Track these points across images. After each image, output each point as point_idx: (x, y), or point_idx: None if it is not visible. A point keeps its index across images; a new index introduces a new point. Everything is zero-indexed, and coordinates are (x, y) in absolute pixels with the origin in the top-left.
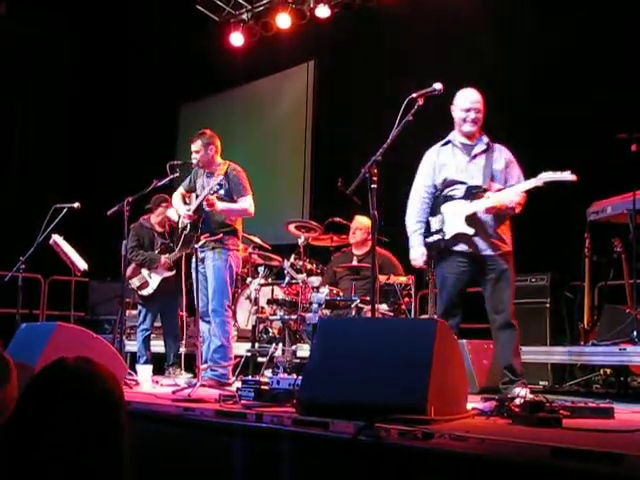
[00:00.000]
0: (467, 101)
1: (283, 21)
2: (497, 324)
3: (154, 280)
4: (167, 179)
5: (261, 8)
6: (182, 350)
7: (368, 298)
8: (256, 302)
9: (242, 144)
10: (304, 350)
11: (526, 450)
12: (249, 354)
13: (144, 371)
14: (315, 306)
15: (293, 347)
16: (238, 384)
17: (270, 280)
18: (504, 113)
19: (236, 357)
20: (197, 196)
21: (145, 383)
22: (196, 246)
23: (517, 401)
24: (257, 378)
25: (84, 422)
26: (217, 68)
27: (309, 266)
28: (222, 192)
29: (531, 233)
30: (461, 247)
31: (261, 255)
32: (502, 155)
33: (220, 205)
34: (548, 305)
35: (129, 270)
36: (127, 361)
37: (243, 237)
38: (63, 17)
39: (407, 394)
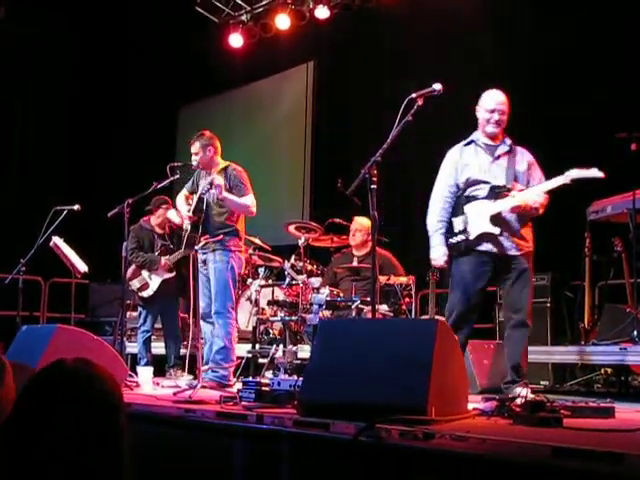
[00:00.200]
0: (492, 102)
1: (282, 22)
2: (513, 322)
3: (154, 282)
4: (167, 181)
5: (260, 9)
6: (184, 351)
7: (368, 299)
8: (256, 303)
9: (242, 145)
10: (305, 351)
11: (527, 450)
12: (250, 355)
13: (145, 373)
14: (315, 307)
15: (294, 348)
16: (239, 385)
17: (270, 281)
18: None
19: (237, 358)
20: (201, 200)
21: (146, 385)
22: (196, 248)
23: (518, 401)
24: (258, 379)
25: (83, 423)
26: (216, 69)
27: (309, 267)
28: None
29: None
30: (485, 247)
31: (261, 256)
32: (524, 157)
33: (225, 193)
34: (549, 305)
35: (129, 272)
36: (128, 363)
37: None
38: (63, 17)
39: (408, 394)
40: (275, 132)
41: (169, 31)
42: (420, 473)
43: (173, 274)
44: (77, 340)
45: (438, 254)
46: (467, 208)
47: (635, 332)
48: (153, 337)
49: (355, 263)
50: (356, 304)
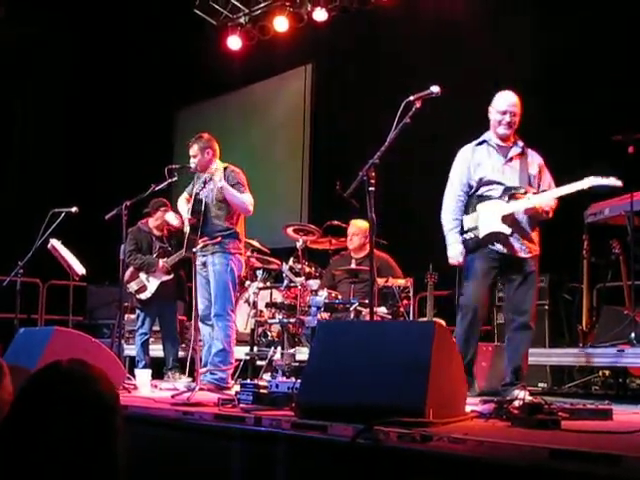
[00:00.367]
0: (504, 104)
1: (280, 24)
2: (516, 324)
3: (152, 284)
4: (165, 183)
5: (258, 12)
6: (182, 354)
7: (367, 301)
8: (255, 305)
9: (240, 147)
10: (303, 353)
11: (525, 452)
12: (248, 358)
13: (143, 375)
14: (314, 309)
15: (292, 350)
16: (237, 388)
17: (269, 283)
18: None
19: (235, 360)
20: (199, 201)
21: (144, 387)
22: (194, 250)
23: (516, 403)
24: (256, 382)
25: (78, 424)
26: (215, 71)
27: (308, 269)
28: (223, 196)
29: None
30: (495, 246)
31: (259, 258)
32: (535, 160)
33: (226, 185)
34: (547, 307)
35: (127, 274)
36: (126, 365)
37: None
38: (63, 17)
39: (405, 397)
40: (273, 134)
41: (167, 33)
42: (418, 475)
43: (171, 276)
44: (75, 342)
45: (455, 252)
46: (479, 207)
47: (633, 334)
48: (151, 339)
49: (353, 265)
50: (354, 306)
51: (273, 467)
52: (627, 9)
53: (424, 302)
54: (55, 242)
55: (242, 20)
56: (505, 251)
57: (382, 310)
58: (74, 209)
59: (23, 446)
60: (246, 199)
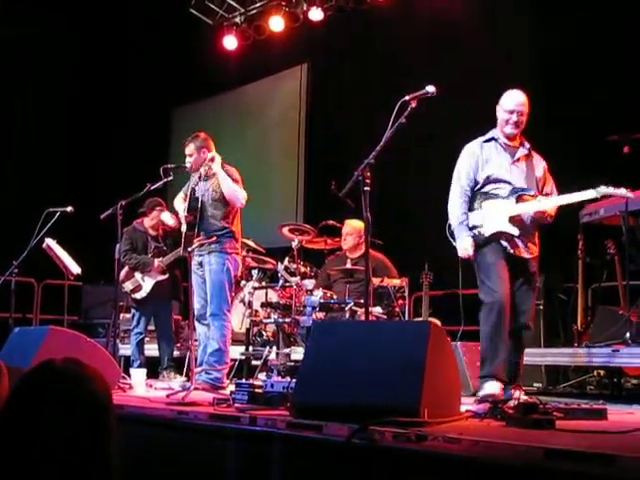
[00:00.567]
0: (511, 103)
1: (276, 24)
2: (515, 325)
3: (147, 284)
4: (160, 183)
5: (254, 11)
6: (177, 353)
7: (362, 301)
8: (250, 305)
9: (235, 147)
10: (298, 353)
11: (520, 452)
12: (243, 357)
13: (138, 375)
14: (309, 309)
15: (287, 350)
16: (232, 387)
17: (264, 283)
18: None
19: (230, 360)
20: (196, 199)
21: (139, 387)
22: (190, 249)
23: (511, 403)
24: (251, 381)
25: (72, 423)
26: (210, 71)
27: (303, 269)
28: (218, 195)
29: None
30: (502, 244)
31: (255, 258)
32: (540, 163)
33: (219, 169)
34: (542, 307)
35: (122, 273)
36: (121, 365)
37: None
38: (63, 17)
39: (401, 396)
40: (269, 134)
41: (163, 33)
42: (413, 475)
43: (166, 276)
44: (70, 342)
45: (467, 243)
46: (486, 205)
47: (628, 334)
48: (146, 339)
49: (348, 265)
50: (349, 306)
51: (268, 467)
52: (625, 9)
53: (419, 302)
54: (50, 241)
55: (238, 20)
56: (511, 251)
57: (377, 310)
58: (69, 208)
59: (16, 445)
60: (239, 189)
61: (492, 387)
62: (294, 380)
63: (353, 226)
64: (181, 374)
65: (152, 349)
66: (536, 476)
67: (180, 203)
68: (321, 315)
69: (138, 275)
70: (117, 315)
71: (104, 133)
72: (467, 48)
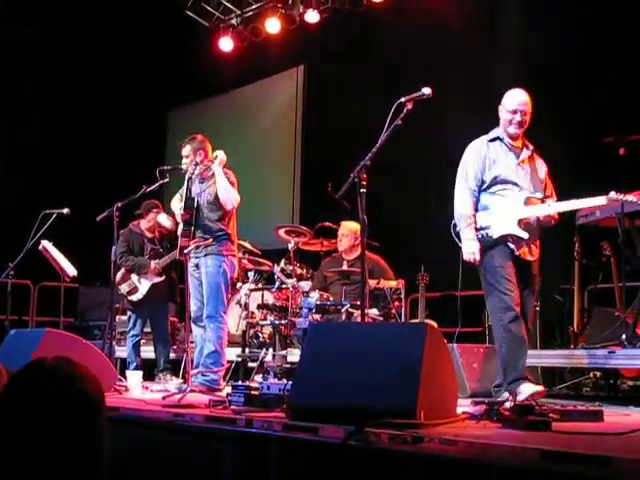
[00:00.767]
0: (514, 103)
1: (272, 26)
2: None
3: (143, 285)
4: (157, 184)
5: (250, 13)
6: (173, 355)
7: (358, 303)
8: (246, 307)
9: (232, 148)
10: (294, 355)
11: (516, 454)
12: (239, 359)
13: (134, 377)
14: (305, 311)
15: (283, 352)
16: (228, 389)
17: (260, 285)
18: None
19: (226, 362)
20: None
21: (135, 389)
22: (186, 252)
23: (507, 405)
24: (247, 383)
25: (63, 422)
26: (206, 73)
27: (299, 271)
28: (214, 198)
29: None
30: (509, 246)
31: (251, 260)
32: (542, 166)
33: (218, 167)
34: (538, 308)
35: (118, 276)
36: (117, 367)
37: None
38: (63, 17)
39: (397, 398)
40: (265, 136)
41: (159, 35)
42: (409, 477)
43: (162, 278)
44: (66, 344)
45: (474, 247)
46: (493, 206)
47: (624, 336)
48: (142, 341)
49: (345, 267)
50: (346, 308)
51: (264, 469)
52: (624, 9)
53: (416, 304)
54: (46, 243)
55: (234, 22)
56: (517, 253)
57: (374, 312)
58: (65, 210)
59: (7, 443)
60: (233, 192)
61: (529, 388)
62: (290, 382)
63: (349, 228)
64: (177, 376)
65: (148, 351)
66: (532, 478)
67: (177, 204)
68: (317, 317)
69: (134, 277)
70: (113, 317)
71: (100, 135)
72: (464, 50)
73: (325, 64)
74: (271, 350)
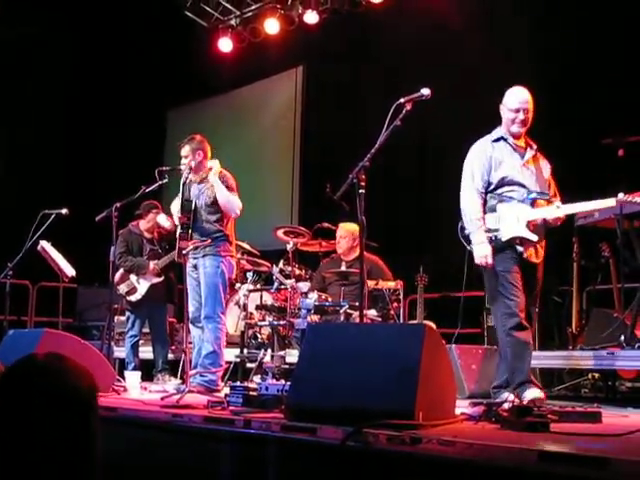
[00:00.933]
0: (516, 101)
1: (271, 27)
2: None
3: (142, 286)
4: (155, 185)
5: (249, 14)
6: (172, 356)
7: (357, 303)
8: (245, 308)
9: (231, 149)
10: (293, 356)
11: (514, 455)
12: (238, 360)
13: (132, 377)
14: (304, 312)
15: (282, 353)
16: (227, 390)
17: (259, 286)
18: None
19: (225, 363)
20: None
21: (133, 389)
22: (184, 252)
23: (505, 406)
24: (246, 384)
25: (53, 417)
26: (205, 73)
27: (298, 272)
28: (212, 200)
29: None
30: (517, 248)
31: (250, 261)
32: (546, 166)
33: (215, 178)
34: (537, 309)
35: (117, 276)
36: (115, 367)
37: None
38: (63, 17)
39: (395, 399)
40: (264, 136)
41: (158, 35)
42: (407, 477)
43: (161, 279)
44: (64, 344)
45: (487, 251)
46: (501, 208)
47: (622, 337)
48: (141, 342)
49: (343, 268)
50: (344, 309)
51: (263, 469)
52: (624, 10)
53: (414, 305)
54: (45, 244)
55: (233, 22)
56: (525, 255)
57: (372, 313)
58: (64, 211)
59: None
60: (235, 199)
61: (533, 392)
62: (289, 383)
63: (347, 229)
64: (176, 377)
65: (147, 352)
66: (530, 479)
67: (176, 206)
68: (316, 318)
69: (133, 277)
70: (112, 317)
71: (99, 135)
72: (464, 50)
73: (324, 65)
74: (269, 351)
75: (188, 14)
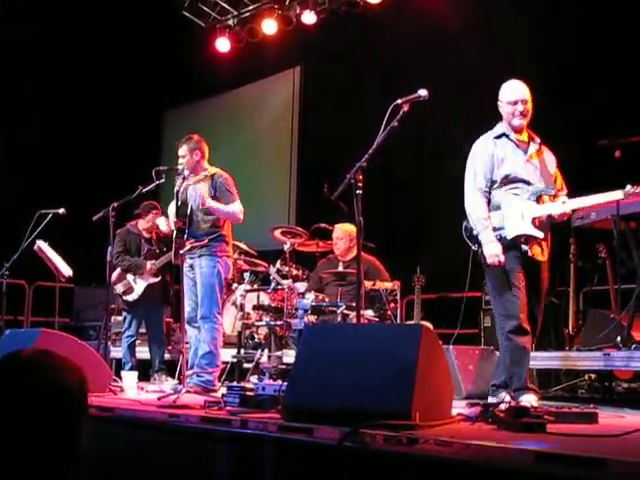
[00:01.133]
0: (513, 94)
1: (269, 27)
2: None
3: (139, 286)
4: (153, 185)
5: (247, 14)
6: (168, 356)
7: (354, 304)
8: (242, 308)
9: (228, 149)
10: (290, 356)
11: (511, 455)
12: (235, 360)
13: (129, 377)
14: (301, 312)
15: (279, 353)
16: (223, 390)
17: (256, 286)
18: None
19: (222, 363)
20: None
21: (130, 389)
22: (181, 252)
23: (502, 406)
24: (242, 384)
25: (38, 412)
26: (203, 73)
27: (295, 272)
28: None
29: None
30: (522, 247)
31: (247, 261)
32: (551, 158)
33: (211, 202)
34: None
35: (114, 275)
36: (112, 367)
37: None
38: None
39: (392, 400)
40: (261, 136)
41: (156, 35)
42: (404, 478)
43: (158, 279)
44: (61, 344)
45: (497, 249)
46: (505, 206)
47: (619, 338)
48: (138, 342)
49: (341, 268)
50: (341, 309)
51: (259, 470)
52: (624, 10)
53: (411, 305)
54: (41, 243)
55: (231, 22)
56: (530, 253)
57: (369, 313)
58: (61, 210)
59: None
60: (235, 209)
61: (529, 399)
62: (286, 383)
63: (344, 230)
64: (172, 377)
65: (143, 352)
66: (527, 479)
67: (173, 209)
68: (313, 318)
69: (130, 277)
70: (108, 317)
71: (96, 135)
72: (462, 50)
73: (322, 65)
74: (266, 351)
75: (186, 14)
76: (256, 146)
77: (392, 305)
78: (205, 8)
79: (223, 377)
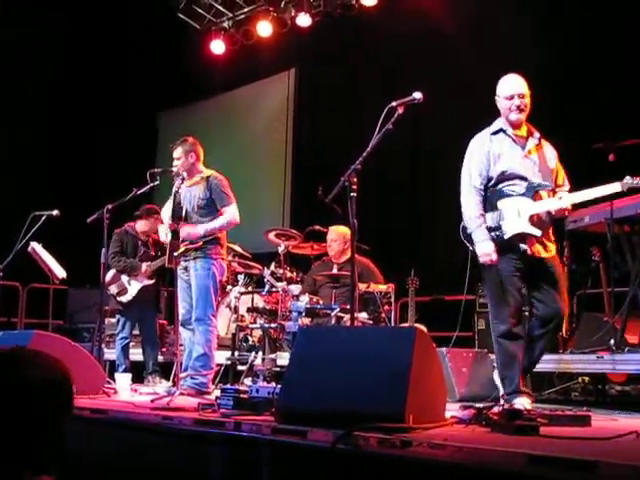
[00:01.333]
0: (510, 88)
1: (264, 29)
2: (544, 330)
3: (133, 287)
4: (147, 187)
5: (242, 16)
6: (162, 358)
7: (348, 306)
8: (236, 310)
9: (223, 151)
10: (284, 358)
11: (504, 458)
12: (229, 362)
13: (123, 379)
14: (295, 314)
15: (273, 355)
16: (217, 392)
17: (250, 288)
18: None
19: (216, 365)
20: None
21: (124, 392)
22: (176, 254)
23: (495, 409)
24: (236, 386)
25: (13, 408)
26: (198, 75)
27: (289, 274)
28: (205, 203)
29: None
30: (521, 247)
31: (241, 263)
32: (552, 153)
33: (202, 230)
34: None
35: (108, 276)
36: (106, 369)
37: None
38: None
39: (386, 402)
40: (256, 139)
41: (151, 37)
42: None
43: (153, 281)
44: (54, 346)
45: (489, 249)
46: (502, 204)
47: (612, 341)
48: (131, 344)
49: (335, 270)
50: (335, 312)
51: (253, 472)
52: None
53: (405, 308)
54: (35, 245)
55: (226, 24)
56: (530, 252)
57: (363, 316)
58: (55, 212)
59: None
60: (228, 217)
61: (522, 402)
62: (279, 385)
63: (338, 232)
64: (166, 379)
65: (137, 354)
66: None
67: (167, 212)
68: (307, 321)
69: (124, 278)
70: (102, 319)
71: (91, 136)
72: (458, 52)
73: (317, 67)
74: (260, 353)
75: (181, 16)
76: (251, 148)
77: (386, 307)
78: (200, 10)
79: (217, 379)
